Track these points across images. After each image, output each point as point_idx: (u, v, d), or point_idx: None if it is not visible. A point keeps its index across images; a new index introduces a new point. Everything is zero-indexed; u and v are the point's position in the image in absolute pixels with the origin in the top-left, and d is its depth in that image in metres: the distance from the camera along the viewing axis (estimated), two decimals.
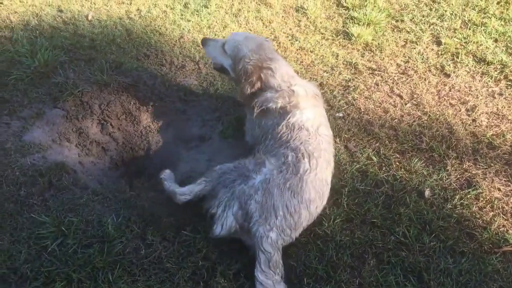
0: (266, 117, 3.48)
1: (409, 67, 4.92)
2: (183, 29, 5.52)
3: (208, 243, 3.08)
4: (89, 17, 5.64)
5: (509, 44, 5.18)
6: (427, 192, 3.54)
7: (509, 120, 4.26)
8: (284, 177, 3.02)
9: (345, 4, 5.99)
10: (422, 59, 5.02)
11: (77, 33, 5.33)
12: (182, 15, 5.81)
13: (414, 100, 4.47)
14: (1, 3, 5.83)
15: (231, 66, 3.72)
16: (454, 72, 4.81)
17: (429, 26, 5.55)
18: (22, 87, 4.44)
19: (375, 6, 5.87)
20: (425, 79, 4.74)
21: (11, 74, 4.56)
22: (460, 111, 4.36)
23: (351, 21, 5.66)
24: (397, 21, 5.72)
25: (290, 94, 3.41)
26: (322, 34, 5.50)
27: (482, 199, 3.54)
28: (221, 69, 3.91)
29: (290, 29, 5.60)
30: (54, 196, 3.42)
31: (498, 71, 4.83)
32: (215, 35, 5.41)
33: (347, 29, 5.49)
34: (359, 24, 5.54)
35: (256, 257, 2.86)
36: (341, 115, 4.29)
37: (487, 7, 5.82)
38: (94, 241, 3.08)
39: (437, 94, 4.57)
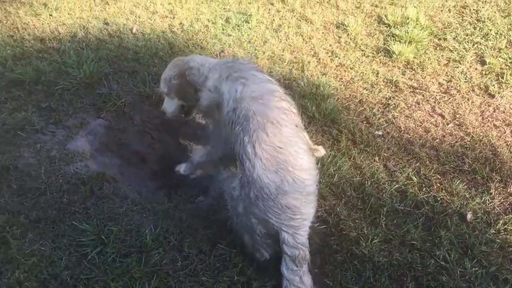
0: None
1: (451, 87, 4.83)
2: (224, 43, 5.59)
3: (244, 257, 3.08)
4: (134, 30, 5.80)
5: None
6: (469, 216, 3.43)
7: None
8: None
9: (386, 22, 5.95)
10: (466, 79, 4.91)
11: (122, 45, 5.49)
12: (223, 29, 5.90)
13: (457, 120, 4.37)
14: (51, 15, 6.07)
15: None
16: (498, 93, 4.68)
17: (473, 45, 5.43)
18: (68, 97, 4.59)
19: (417, 24, 5.80)
20: (468, 99, 4.63)
21: (58, 84, 4.73)
22: (504, 133, 4.24)
23: (392, 38, 5.61)
24: (439, 39, 5.63)
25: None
26: (363, 51, 5.47)
27: None
28: (183, 110, 3.69)
29: (330, 45, 5.59)
30: (95, 204, 3.51)
31: None
32: (255, 49, 5.47)
33: (388, 46, 5.44)
34: (400, 42, 5.48)
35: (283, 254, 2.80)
36: (380, 133, 4.24)
37: None
38: (132, 251, 3.12)
39: (480, 115, 4.46)
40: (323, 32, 5.88)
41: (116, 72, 4.99)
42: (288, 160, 2.66)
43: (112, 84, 4.77)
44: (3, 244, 3.18)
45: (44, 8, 6.21)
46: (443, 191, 3.66)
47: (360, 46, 5.56)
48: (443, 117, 4.44)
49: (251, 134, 2.66)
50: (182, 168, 3.71)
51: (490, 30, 5.66)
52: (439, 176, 3.79)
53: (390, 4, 6.43)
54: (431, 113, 4.50)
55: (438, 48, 5.47)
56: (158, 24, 5.98)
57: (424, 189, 3.68)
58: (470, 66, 5.11)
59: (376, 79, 4.98)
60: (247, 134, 2.68)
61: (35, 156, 3.92)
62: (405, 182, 3.72)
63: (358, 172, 3.82)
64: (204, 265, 3.06)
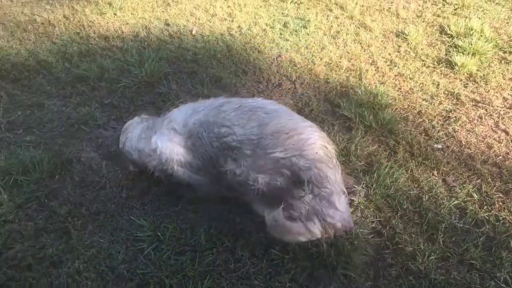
0: None
1: None
2: (281, 48, 5.61)
3: (296, 264, 3.07)
4: (193, 32, 5.91)
5: None
6: None
7: None
8: None
9: (449, 32, 5.80)
10: None
11: (181, 46, 5.60)
12: (281, 34, 5.91)
13: None
14: (115, 14, 6.27)
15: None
16: None
17: None
18: (129, 95, 4.73)
19: (481, 36, 5.62)
20: None
21: (120, 81, 4.88)
22: None
23: (454, 49, 5.47)
24: (505, 52, 5.43)
25: None
26: (423, 61, 5.35)
27: None
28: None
29: (389, 54, 5.50)
30: (152, 201, 3.59)
31: None
32: (312, 55, 5.45)
33: (450, 57, 5.30)
34: (463, 53, 5.33)
35: None
36: (440, 146, 4.12)
37: None
38: (186, 249, 3.18)
39: None
40: (382, 40, 5.79)
41: (175, 73, 5.10)
42: None
43: (171, 84, 4.88)
44: (65, 233, 3.31)
45: (109, 7, 6.42)
46: (506, 210, 3.52)
47: (420, 56, 5.44)
48: (507, 133, 4.27)
49: None
50: None
51: None
52: (501, 195, 3.65)
53: (453, 15, 6.27)
54: (494, 129, 4.34)
55: (503, 62, 5.28)
56: (217, 26, 6.06)
57: (485, 207, 3.55)
58: None
59: (437, 90, 4.85)
60: None
61: (97, 151, 4.07)
62: (465, 199, 3.60)
63: (416, 185, 3.73)
64: (256, 269, 3.07)
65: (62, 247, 3.20)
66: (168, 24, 6.11)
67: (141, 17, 6.28)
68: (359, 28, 6.05)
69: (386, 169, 3.78)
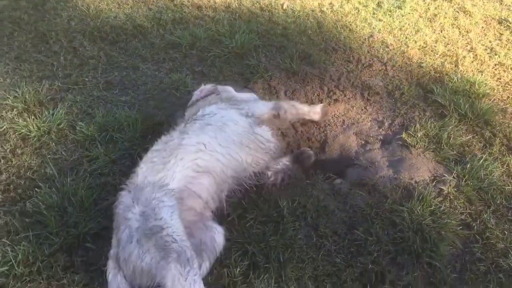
0: None
1: None
2: (373, 28, 5.45)
3: (379, 247, 3.02)
4: (284, 6, 5.87)
5: None
6: None
7: None
8: None
9: None
10: None
11: (272, 20, 5.58)
12: (374, 13, 5.74)
13: None
14: None
15: None
16: None
17: None
18: (219, 64, 4.81)
19: None
20: None
21: (211, 50, 4.97)
22: None
23: None
24: None
25: None
26: None
27: None
28: None
29: (490, 41, 5.19)
30: None
31: None
32: (406, 38, 5.25)
33: None
34: None
35: None
36: None
37: None
38: (269, 220, 3.21)
39: None
40: (482, 27, 5.48)
41: (265, 46, 5.10)
42: None
43: (260, 57, 4.89)
44: None
45: None
46: None
47: None
48: None
49: None
50: None
51: None
52: None
53: None
54: None
55: None
56: (308, 2, 5.98)
57: None
58: None
59: None
60: None
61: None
62: None
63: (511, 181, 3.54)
64: (337, 247, 3.06)
65: None
66: None
67: None
68: (458, 12, 5.74)
69: (480, 161, 3.60)
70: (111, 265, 2.70)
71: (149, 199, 2.79)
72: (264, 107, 3.76)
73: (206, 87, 4.02)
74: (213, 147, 3.17)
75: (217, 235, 2.97)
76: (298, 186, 3.50)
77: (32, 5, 5.90)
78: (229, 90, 4.04)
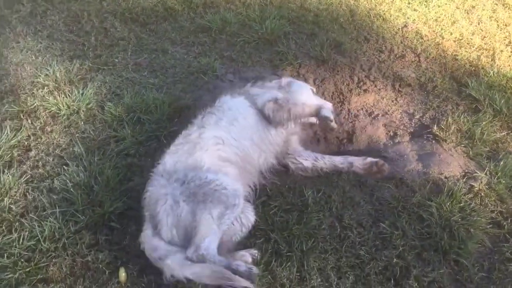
0: None
1: None
2: (408, 18, 5.32)
3: (405, 242, 2.96)
4: None
5: None
6: None
7: None
8: None
9: None
10: None
11: (303, 6, 5.50)
12: (409, 3, 5.61)
13: None
14: None
15: None
16: None
17: None
18: (248, 50, 4.78)
19: None
20: None
21: (240, 36, 4.93)
22: None
23: None
24: None
25: None
26: None
27: None
28: None
29: None
30: None
31: None
32: (442, 29, 5.11)
33: None
34: None
35: None
36: None
37: None
38: (293, 209, 3.17)
39: None
40: None
41: (295, 32, 5.04)
42: None
43: (290, 44, 4.83)
44: None
45: None
46: None
47: None
48: None
49: None
50: None
51: None
52: None
53: None
54: None
55: None
56: None
57: None
58: None
59: None
60: None
61: (213, 100, 4.12)
62: None
63: None
64: (362, 240, 3.00)
65: None
66: None
67: None
68: (497, 4, 5.56)
69: None
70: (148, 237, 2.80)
71: (186, 176, 2.90)
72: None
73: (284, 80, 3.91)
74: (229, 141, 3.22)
75: (249, 212, 3.03)
76: (324, 176, 3.45)
77: None
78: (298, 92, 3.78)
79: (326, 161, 3.59)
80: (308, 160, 3.59)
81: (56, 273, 2.79)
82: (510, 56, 4.69)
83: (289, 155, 3.62)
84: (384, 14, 5.38)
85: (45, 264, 2.82)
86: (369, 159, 3.53)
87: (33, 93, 4.15)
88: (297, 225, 3.04)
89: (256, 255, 2.83)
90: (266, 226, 3.05)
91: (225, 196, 2.81)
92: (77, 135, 3.77)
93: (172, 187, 2.87)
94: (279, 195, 3.29)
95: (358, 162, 3.53)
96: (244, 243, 2.95)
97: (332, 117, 3.57)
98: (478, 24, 5.21)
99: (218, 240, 2.75)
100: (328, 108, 3.64)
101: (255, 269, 2.65)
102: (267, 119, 3.46)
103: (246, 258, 2.80)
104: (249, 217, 3.00)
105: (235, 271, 2.57)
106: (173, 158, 3.09)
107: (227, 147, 3.20)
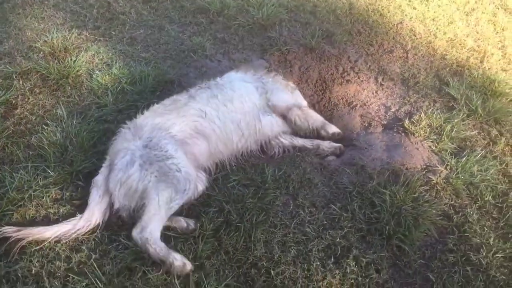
0: None
1: None
2: (405, 15, 5.35)
3: (352, 224, 3.06)
4: None
5: None
6: None
7: None
8: None
9: None
10: None
11: None
12: (410, 1, 5.64)
13: None
14: None
15: None
16: None
17: None
18: (241, 33, 4.90)
19: None
20: None
21: (236, 19, 5.06)
22: None
23: None
24: None
25: None
26: None
27: None
28: None
29: None
30: None
31: None
32: (437, 28, 5.13)
33: None
34: None
35: None
36: None
37: None
38: (251, 184, 3.30)
39: None
40: None
41: (290, 20, 5.13)
42: None
43: (283, 30, 4.93)
44: None
45: None
46: None
47: None
48: None
49: None
50: None
51: None
52: None
53: None
54: None
55: None
56: None
57: None
58: None
59: None
60: None
61: (199, 77, 4.28)
62: None
63: (506, 180, 3.48)
64: (312, 218, 3.11)
65: None
66: None
67: None
68: (498, 8, 5.54)
69: (478, 157, 3.54)
70: (96, 188, 3.03)
71: (151, 136, 3.12)
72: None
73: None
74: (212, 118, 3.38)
75: (202, 184, 3.21)
76: (288, 157, 3.57)
77: None
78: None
79: (300, 141, 3.79)
80: (287, 140, 3.80)
81: (19, 220, 2.99)
82: (499, 60, 4.70)
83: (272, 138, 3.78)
84: (382, 10, 5.43)
85: (11, 212, 3.02)
86: (333, 144, 3.72)
87: (29, 56, 4.36)
88: (251, 199, 3.17)
89: (193, 225, 2.99)
90: (222, 198, 3.18)
91: (176, 179, 2.95)
92: (63, 98, 3.96)
93: (135, 144, 3.08)
94: (241, 170, 3.43)
95: (324, 145, 3.71)
96: (197, 211, 3.11)
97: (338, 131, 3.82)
98: (475, 26, 5.21)
99: (163, 224, 2.89)
100: (331, 125, 3.86)
101: (189, 267, 2.73)
102: (288, 123, 3.79)
103: (181, 224, 2.99)
104: (198, 186, 3.15)
105: (170, 263, 2.70)
106: (146, 114, 3.32)
107: (206, 123, 3.36)
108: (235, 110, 3.52)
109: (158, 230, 2.83)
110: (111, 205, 3.01)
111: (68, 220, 2.91)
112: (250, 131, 3.59)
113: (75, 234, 2.87)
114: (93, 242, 2.88)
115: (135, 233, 2.80)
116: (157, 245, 2.75)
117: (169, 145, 3.09)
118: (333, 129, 3.81)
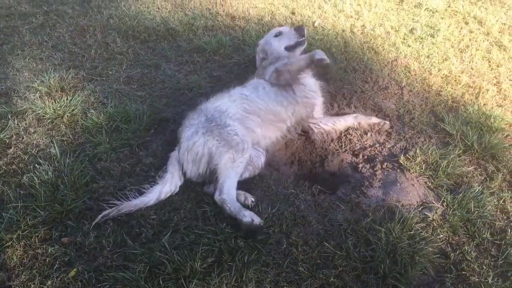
0: None
1: None
2: (400, 52, 5.41)
3: (347, 263, 2.98)
4: (316, 24, 5.95)
5: None
6: None
7: None
8: None
9: None
10: None
11: None
12: (404, 39, 5.70)
13: None
14: None
15: None
16: None
17: None
18: (236, 71, 4.96)
19: None
20: None
21: (232, 58, 5.13)
22: None
23: None
24: None
25: None
26: None
27: None
28: None
29: None
30: None
31: None
32: (432, 65, 5.17)
33: None
34: None
35: None
36: None
37: None
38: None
39: None
40: None
41: None
42: None
43: None
44: (144, 180, 3.58)
45: None
46: None
47: None
48: None
49: None
50: None
51: None
52: None
53: None
54: None
55: None
56: (341, 22, 6.02)
57: None
58: None
59: None
60: None
61: None
62: None
63: (504, 217, 3.40)
64: (305, 257, 3.04)
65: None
66: (293, 13, 6.22)
67: (270, 3, 6.48)
68: (492, 45, 5.59)
69: (474, 193, 3.48)
70: (175, 157, 3.63)
71: (213, 114, 3.70)
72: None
73: None
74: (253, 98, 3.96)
75: (262, 157, 3.79)
76: (281, 193, 3.52)
77: (79, 0, 6.31)
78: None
79: (342, 123, 4.25)
80: (328, 125, 4.20)
81: (6, 261, 2.94)
82: (494, 96, 4.70)
83: (312, 121, 4.19)
84: (377, 47, 5.49)
85: None
86: (374, 119, 4.26)
87: (25, 96, 4.41)
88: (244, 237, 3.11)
89: (250, 202, 3.41)
90: (213, 236, 3.13)
91: (235, 142, 3.52)
92: (57, 137, 3.98)
93: (199, 120, 3.68)
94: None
95: (364, 120, 4.25)
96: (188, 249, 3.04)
97: (325, 57, 4.14)
98: (470, 63, 5.24)
99: (236, 182, 3.46)
100: (319, 52, 4.19)
101: (257, 221, 3.18)
102: (279, 86, 4.11)
103: (240, 197, 3.44)
104: (259, 161, 3.73)
105: (240, 220, 3.17)
106: (208, 102, 3.92)
107: (251, 102, 3.90)
108: (265, 92, 4.02)
109: (233, 188, 3.41)
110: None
111: (152, 188, 3.40)
112: (290, 105, 4.04)
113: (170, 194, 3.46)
114: None
115: (216, 195, 3.36)
116: (231, 205, 3.27)
117: (227, 118, 3.68)
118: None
